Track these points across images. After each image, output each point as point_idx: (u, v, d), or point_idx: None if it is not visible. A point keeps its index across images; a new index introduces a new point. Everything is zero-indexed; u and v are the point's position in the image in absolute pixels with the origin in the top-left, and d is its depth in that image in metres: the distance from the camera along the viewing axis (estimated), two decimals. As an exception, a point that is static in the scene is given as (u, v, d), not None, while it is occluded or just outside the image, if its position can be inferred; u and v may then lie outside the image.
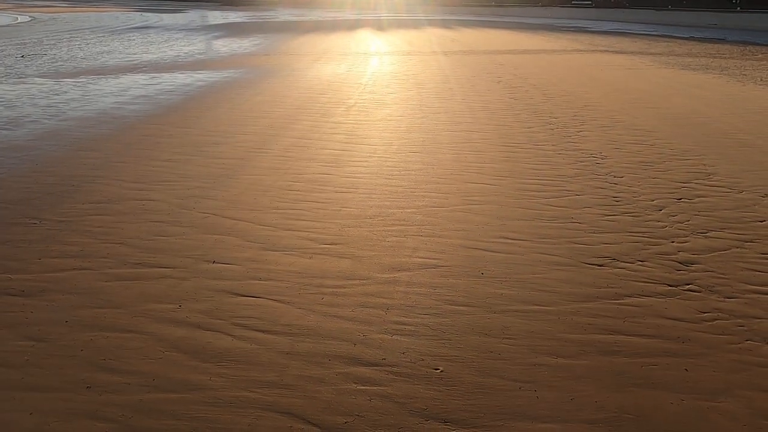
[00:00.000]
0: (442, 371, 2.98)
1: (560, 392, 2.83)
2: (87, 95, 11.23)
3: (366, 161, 6.85)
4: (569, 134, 8.28)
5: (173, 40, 24.76)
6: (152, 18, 45.27)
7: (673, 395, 2.82)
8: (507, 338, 3.27)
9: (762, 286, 3.90)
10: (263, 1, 76.45)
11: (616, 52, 20.40)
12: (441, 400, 2.78)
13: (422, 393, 2.82)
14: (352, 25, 37.80)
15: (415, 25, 39.09)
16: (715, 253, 4.39)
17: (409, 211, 5.24)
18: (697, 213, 5.23)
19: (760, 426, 2.63)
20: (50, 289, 3.77)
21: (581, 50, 21.35)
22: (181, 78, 13.65)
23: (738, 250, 4.46)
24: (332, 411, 2.70)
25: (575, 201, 5.54)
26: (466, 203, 5.45)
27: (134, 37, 25.92)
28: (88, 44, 22.39)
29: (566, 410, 2.72)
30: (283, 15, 53.57)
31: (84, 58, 17.58)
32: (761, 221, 5.06)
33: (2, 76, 13.62)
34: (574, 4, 55.77)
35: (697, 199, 5.60)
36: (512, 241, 4.58)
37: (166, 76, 13.89)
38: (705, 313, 3.55)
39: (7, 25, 35.65)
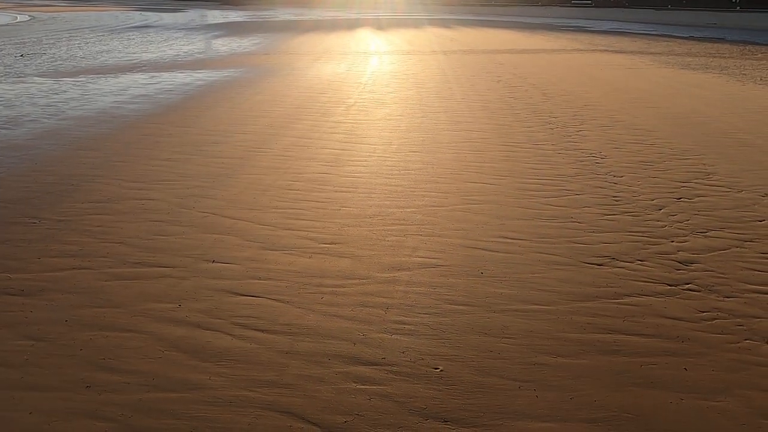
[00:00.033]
0: (441, 370, 2.98)
1: (560, 391, 2.84)
2: (86, 94, 11.22)
3: (366, 160, 6.85)
4: (569, 134, 8.28)
5: (173, 39, 24.74)
6: (152, 17, 45.24)
7: (673, 394, 2.82)
8: (506, 337, 3.27)
9: (761, 285, 3.90)
10: (263, 1, 76.40)
11: (616, 52, 20.40)
12: (440, 399, 2.78)
13: (422, 392, 2.82)
14: (352, 25, 37.79)
15: (415, 24, 39.08)
16: (715, 253, 4.39)
17: (408, 210, 5.24)
18: (697, 212, 5.23)
19: (759, 425, 2.63)
20: (50, 289, 3.76)
21: (581, 49, 21.35)
22: (180, 77, 13.64)
23: (737, 249, 4.46)
24: (332, 410, 2.70)
25: (575, 200, 5.54)
26: (465, 202, 5.45)
27: (134, 37, 25.90)
28: (87, 43, 22.38)
29: (566, 409, 2.72)
30: (283, 14, 53.54)
31: (83, 58, 17.56)
32: (761, 221, 5.06)
33: (1, 76, 13.61)
34: (573, 3, 55.79)
35: (696, 199, 5.60)
36: (512, 240, 4.58)
37: (166, 76, 13.88)
38: (704, 312, 3.56)
39: (7, 25, 35.62)
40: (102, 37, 25.31)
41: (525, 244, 4.51)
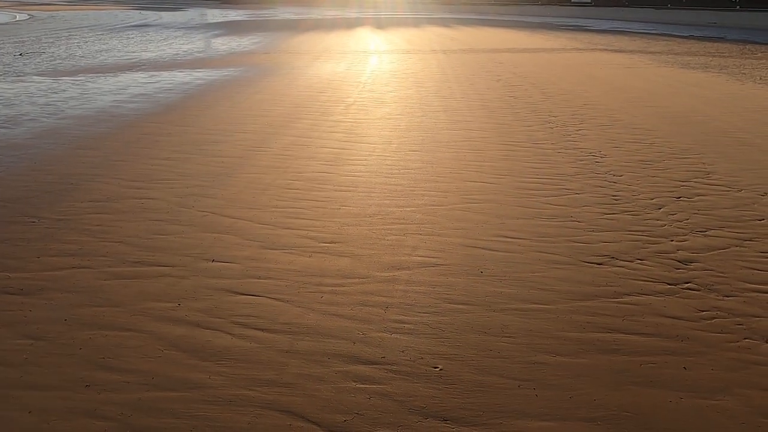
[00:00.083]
0: (441, 369, 2.98)
1: (559, 390, 2.84)
2: (85, 93, 11.21)
3: (365, 160, 6.85)
4: (568, 133, 8.28)
5: (172, 38, 24.71)
6: (151, 16, 45.18)
7: (672, 393, 2.82)
8: (506, 337, 3.27)
9: (761, 284, 3.90)
10: (262, 0, 76.27)
11: (616, 51, 20.40)
12: (440, 398, 2.78)
13: (421, 391, 2.82)
14: (352, 24, 37.76)
15: (415, 23, 39.05)
16: (714, 252, 4.39)
17: (408, 209, 5.24)
18: (697, 211, 5.24)
19: (759, 424, 2.63)
20: (49, 288, 3.76)
21: (580, 49, 21.34)
22: (180, 76, 13.63)
23: (737, 248, 4.46)
24: (331, 409, 2.70)
25: (574, 200, 5.54)
26: (465, 202, 5.45)
27: (133, 35, 25.87)
28: (86, 42, 22.35)
29: (565, 408, 2.72)
30: (283, 13, 53.50)
31: (83, 57, 17.54)
32: (760, 220, 5.06)
33: (1, 75, 13.59)
34: (573, 2, 55.76)
35: (696, 198, 5.61)
36: (511, 239, 4.58)
37: (165, 75, 13.86)
38: (704, 311, 3.56)
39: (6, 24, 35.57)
40: (101, 36, 25.28)
41: (525, 243, 4.51)
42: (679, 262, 4.22)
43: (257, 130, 8.30)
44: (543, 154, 7.18)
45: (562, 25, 37.30)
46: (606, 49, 21.02)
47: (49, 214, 5.06)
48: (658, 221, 5.00)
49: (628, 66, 16.08)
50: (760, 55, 19.48)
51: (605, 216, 5.11)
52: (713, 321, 3.45)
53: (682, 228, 4.85)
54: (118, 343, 3.16)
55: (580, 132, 8.34)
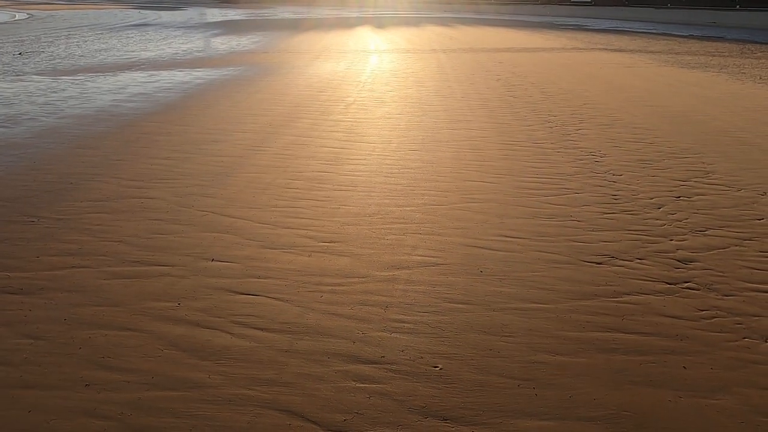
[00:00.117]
0: (441, 369, 2.98)
1: (559, 390, 2.84)
2: (85, 93, 11.20)
3: (365, 159, 6.85)
4: (568, 132, 8.28)
5: (172, 37, 24.70)
6: (150, 15, 45.15)
7: (671, 393, 2.83)
8: (506, 336, 3.27)
9: (760, 284, 3.91)
10: (262, -1, 76.19)
11: (615, 50, 20.40)
12: (440, 397, 2.78)
13: (421, 390, 2.82)
14: (352, 23, 37.74)
15: (415, 23, 39.03)
16: (714, 252, 4.40)
17: (408, 208, 5.24)
18: (696, 211, 5.24)
19: (757, 423, 2.64)
20: (49, 287, 3.76)
21: (580, 48, 21.34)
22: (179, 76, 13.62)
23: (737, 248, 4.46)
24: (331, 408, 2.70)
25: (574, 199, 5.54)
26: (465, 201, 5.45)
27: (132, 35, 25.85)
28: (86, 42, 22.33)
29: (565, 408, 2.72)
30: (282, 13, 53.46)
31: (82, 56, 17.53)
32: (760, 219, 5.06)
33: (0, 74, 13.57)
34: (573, 1, 55.74)
35: (695, 198, 5.61)
36: (511, 239, 4.59)
37: (165, 74, 13.86)
38: (703, 311, 3.56)
39: (5, 23, 35.54)
40: (100, 36, 25.26)
41: (524, 243, 4.51)
42: (678, 261, 4.23)
43: (257, 130, 8.30)
44: (543, 153, 7.18)
45: (562, 25, 37.29)
46: (606, 49, 21.02)
47: (48, 213, 5.06)
48: (658, 221, 5.00)
49: (627, 65, 16.07)
50: (759, 54, 19.48)
51: (605, 215, 5.11)
52: (713, 320, 3.45)
53: (682, 227, 4.86)
54: (118, 343, 3.17)
55: (579, 131, 8.34)
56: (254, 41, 23.20)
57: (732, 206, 5.37)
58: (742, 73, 14.62)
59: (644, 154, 7.13)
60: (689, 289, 3.83)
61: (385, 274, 3.99)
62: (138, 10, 53.80)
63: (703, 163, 6.79)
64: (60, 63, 15.81)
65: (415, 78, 13.53)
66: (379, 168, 6.50)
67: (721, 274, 4.03)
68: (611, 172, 6.42)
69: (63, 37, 24.47)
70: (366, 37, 26.34)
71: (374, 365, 3.00)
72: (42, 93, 11.10)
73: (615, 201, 5.49)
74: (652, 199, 5.56)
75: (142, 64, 15.68)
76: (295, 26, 33.85)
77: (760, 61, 17.44)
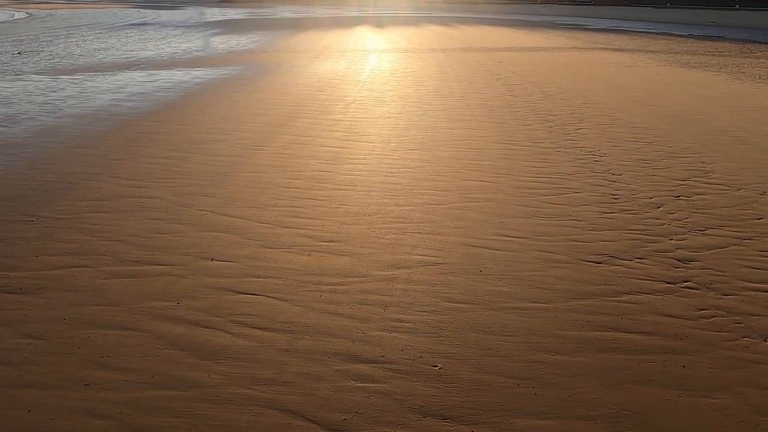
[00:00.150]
0: (440, 368, 2.98)
1: (558, 389, 2.84)
2: (84, 92, 11.19)
3: (365, 158, 6.85)
4: (568, 132, 8.28)
5: (171, 37, 24.68)
6: (150, 15, 45.12)
7: (671, 392, 2.83)
8: (505, 335, 3.27)
9: (760, 283, 3.91)
10: (261, -2, 76.11)
11: (615, 50, 20.40)
12: (439, 396, 2.78)
13: (421, 390, 2.82)
14: (351, 23, 37.72)
15: (414, 22, 39.02)
16: (713, 251, 4.40)
17: (407, 208, 5.23)
18: (696, 210, 5.24)
19: (757, 422, 2.64)
20: (48, 287, 3.76)
21: (580, 48, 21.34)
22: (179, 75, 13.61)
23: (736, 247, 4.47)
24: (331, 408, 2.70)
25: (574, 198, 5.54)
26: (464, 200, 5.45)
27: (132, 34, 25.83)
28: (85, 41, 22.31)
29: (564, 407, 2.73)
30: (282, 12, 53.43)
31: (81, 55, 17.51)
32: (759, 219, 5.07)
33: (-1, 73, 13.56)
34: (573, 1, 55.72)
35: (695, 197, 5.61)
36: (511, 238, 4.59)
37: (164, 73, 13.84)
38: (703, 310, 3.56)
39: (4, 22, 35.49)
40: (100, 35, 25.24)
41: (524, 242, 4.51)
42: (678, 260, 4.23)
43: (256, 129, 8.30)
44: (542, 153, 7.18)
45: (562, 24, 37.29)
46: (605, 48, 21.02)
47: (47, 212, 5.06)
48: (657, 220, 5.00)
49: (627, 65, 16.08)
50: (759, 54, 19.49)
51: (604, 215, 5.11)
52: (712, 319, 3.46)
53: (681, 227, 4.86)
54: (117, 342, 3.16)
55: (579, 131, 8.34)
56: (254, 40, 23.18)
57: (731, 205, 5.38)
58: (742, 72, 14.63)
59: (644, 154, 7.13)
60: (689, 288, 3.83)
61: (385, 274, 3.99)
62: (137, 9, 53.77)
63: (703, 162, 6.79)
64: (59, 62, 15.79)
65: (414, 77, 13.52)
66: (379, 167, 6.49)
67: (720, 273, 4.04)
68: (611, 171, 6.42)
69: (62, 36, 24.45)
70: (365, 37, 26.33)
71: (374, 365, 3.00)
72: (41, 92, 11.09)
73: (614, 200, 5.49)
74: (651, 198, 5.56)
75: (142, 64, 15.66)
76: (295, 25, 33.83)
77: (760, 60, 17.45)
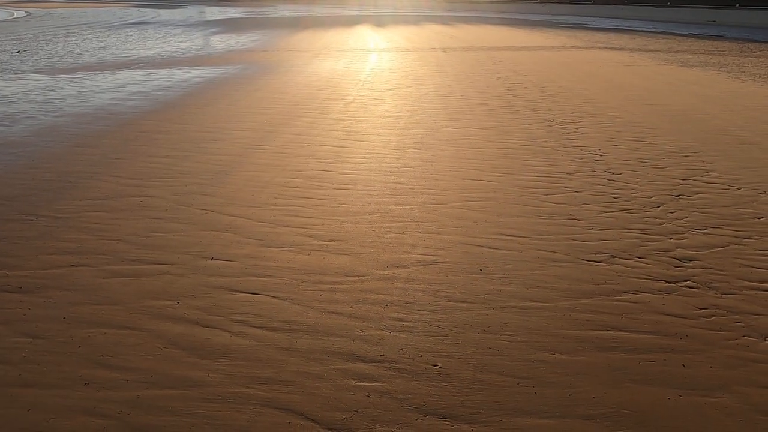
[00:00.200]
0: (440, 367, 2.98)
1: (558, 388, 2.84)
2: (84, 91, 11.18)
3: (365, 158, 6.84)
4: (568, 131, 8.28)
5: (171, 36, 24.66)
6: (149, 14, 45.08)
7: (671, 391, 2.83)
8: (505, 334, 3.27)
9: (760, 282, 3.91)
10: (261, -3, 76.06)
11: (615, 49, 20.39)
12: (439, 396, 2.78)
13: (421, 389, 2.82)
14: (351, 22, 37.69)
15: (414, 21, 39.00)
16: (713, 250, 4.40)
17: (407, 207, 5.23)
18: (696, 210, 5.24)
19: (757, 421, 2.64)
20: (47, 286, 3.76)
21: (580, 47, 21.33)
22: (178, 74, 13.60)
23: (736, 246, 4.47)
24: (331, 407, 2.70)
25: (573, 198, 5.54)
26: (464, 200, 5.45)
27: (131, 33, 25.81)
28: (84, 40, 22.29)
29: (564, 406, 2.72)
30: (282, 11, 53.39)
31: (80, 54, 17.49)
32: (759, 218, 5.07)
33: (-1, 72, 13.55)
34: (573, 0, 55.68)
35: (695, 196, 5.61)
36: (511, 237, 4.58)
37: (164, 72, 13.83)
38: (703, 309, 3.56)
39: (3, 21, 35.46)
40: (99, 34, 25.21)
41: (524, 241, 4.51)
42: (678, 260, 4.23)
43: (256, 128, 8.29)
44: (542, 152, 7.18)
45: (562, 23, 37.26)
46: (605, 47, 21.01)
47: (47, 212, 5.05)
48: (657, 219, 5.00)
49: (627, 64, 16.07)
50: (759, 53, 19.48)
51: (604, 214, 5.11)
52: (712, 319, 3.46)
53: (681, 226, 4.86)
54: (117, 341, 3.16)
55: (579, 130, 8.33)
56: (253, 39, 23.16)
57: (731, 205, 5.37)
58: (742, 71, 14.62)
59: (644, 153, 7.13)
60: (689, 287, 3.83)
61: (385, 273, 3.98)
62: (137, 8, 53.72)
63: (703, 161, 6.79)
64: (58, 61, 15.78)
65: (414, 76, 13.52)
66: (379, 166, 6.49)
67: (720, 272, 4.04)
68: (611, 170, 6.42)
69: (61, 35, 24.42)
70: (365, 36, 26.31)
71: (374, 364, 3.00)
72: (40, 91, 11.07)
73: (614, 199, 5.49)
74: (651, 197, 5.56)
75: (141, 63, 15.65)
76: (295, 24, 33.81)
77: (760, 59, 17.44)
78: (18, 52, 17.91)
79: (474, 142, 7.60)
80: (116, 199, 5.37)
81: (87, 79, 12.73)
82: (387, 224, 4.84)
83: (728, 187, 5.90)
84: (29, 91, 11.13)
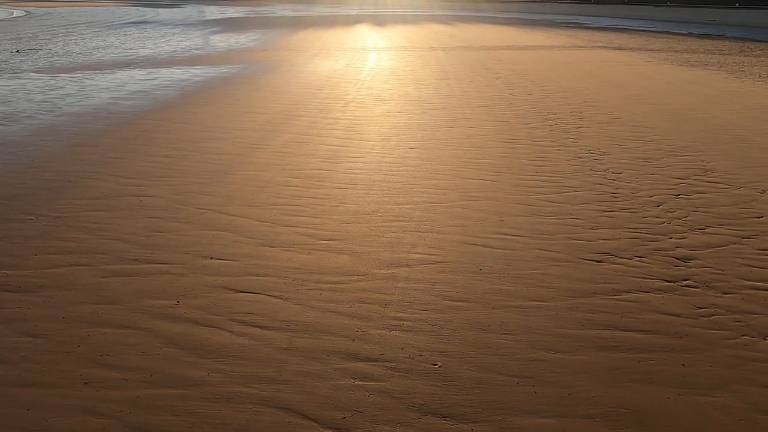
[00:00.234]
0: (440, 367, 2.98)
1: (558, 387, 2.84)
2: (83, 90, 11.17)
3: (364, 157, 6.84)
4: (568, 130, 8.28)
5: (170, 35, 24.64)
6: (149, 13, 45.05)
7: (670, 390, 2.83)
8: (505, 334, 3.27)
9: (759, 281, 3.91)
10: (261, -4, 76.02)
11: (615, 49, 20.38)
12: (439, 395, 2.78)
13: (420, 388, 2.82)
14: (350, 21, 37.67)
15: (414, 20, 38.98)
16: (713, 249, 4.40)
17: (407, 206, 5.23)
18: (695, 209, 5.24)
19: (756, 420, 2.64)
20: (47, 285, 3.75)
21: (580, 46, 21.32)
22: (178, 73, 13.59)
23: (736, 246, 4.47)
24: (330, 406, 2.70)
25: (573, 197, 5.54)
26: (464, 199, 5.45)
27: (131, 32, 25.78)
28: (84, 39, 22.27)
29: (564, 405, 2.72)
30: (281, 10, 53.36)
31: (80, 53, 17.48)
32: (759, 217, 5.07)
33: (-2, 71, 13.53)
34: (572, -1, 55.68)
35: (695, 195, 5.61)
36: (510, 236, 4.58)
37: (163, 72, 13.82)
38: (702, 308, 3.56)
39: (2, 20, 35.43)
40: (98, 33, 25.19)
41: (524, 241, 4.51)
42: (677, 259, 4.23)
43: (256, 128, 8.29)
44: (542, 151, 7.17)
45: (562, 23, 37.25)
46: (605, 47, 21.01)
47: (46, 211, 5.05)
48: (657, 219, 5.00)
49: (627, 63, 16.07)
50: (759, 52, 19.48)
51: (604, 213, 5.11)
52: (712, 318, 3.46)
53: (681, 225, 4.86)
54: (117, 341, 3.16)
55: (579, 129, 8.33)
56: (253, 39, 23.15)
57: (731, 204, 5.38)
58: (742, 71, 14.62)
59: (644, 152, 7.13)
60: (688, 286, 3.83)
61: (385, 272, 3.98)
62: (136, 8, 53.68)
63: (703, 161, 6.79)
64: (58, 60, 15.77)
65: (414, 76, 13.51)
66: (379, 166, 6.49)
67: (720, 271, 4.04)
68: (611, 170, 6.42)
69: (61, 34, 24.40)
70: (365, 35, 26.30)
71: (373, 363, 3.00)
72: (40, 91, 11.06)
73: (614, 199, 5.49)
74: (651, 197, 5.56)
75: (141, 62, 15.64)
76: (294, 24, 33.79)
77: (760, 59, 17.44)
78: (17, 51, 17.89)
79: (474, 142, 7.60)
80: (115, 199, 5.37)
81: (86, 78, 12.72)
82: (387, 223, 4.83)
83: (728, 186, 5.90)
84: (28, 90, 11.12)
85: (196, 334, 3.23)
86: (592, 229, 4.76)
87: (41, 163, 6.52)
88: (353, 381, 2.86)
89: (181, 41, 21.80)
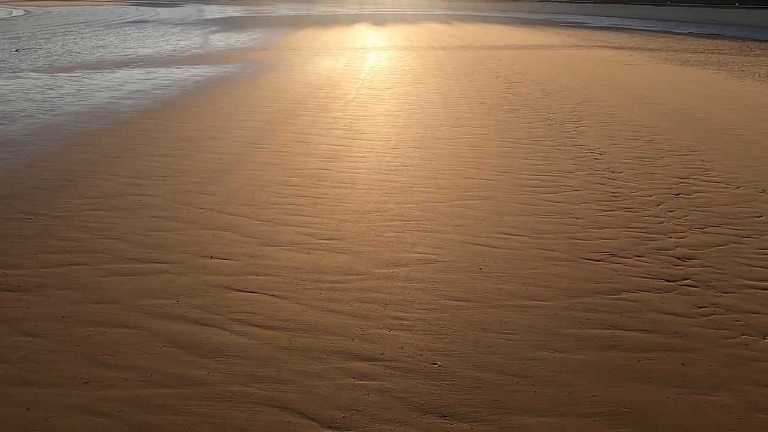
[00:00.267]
0: (440, 366, 2.98)
1: (558, 387, 2.84)
2: (82, 90, 11.16)
3: (364, 156, 6.84)
4: (567, 130, 8.28)
5: (170, 34, 24.62)
6: (148, 12, 45.02)
7: (670, 389, 2.83)
8: (505, 333, 3.27)
9: (759, 281, 3.91)
10: (260, -4, 76.03)
11: (615, 48, 20.38)
12: (439, 394, 2.78)
13: (420, 388, 2.82)
14: (350, 20, 37.66)
15: (413, 20, 38.97)
16: (713, 249, 4.40)
17: (407, 206, 5.23)
18: (695, 208, 5.24)
19: (756, 420, 2.64)
20: (46, 285, 3.75)
21: (580, 46, 21.32)
22: (177, 73, 13.58)
23: (735, 245, 4.47)
24: (330, 406, 2.70)
25: (573, 196, 5.54)
26: (464, 198, 5.45)
27: (130, 32, 25.77)
28: (83, 38, 22.25)
29: (564, 404, 2.72)
30: (281, 10, 53.34)
31: (79, 53, 17.46)
32: (758, 217, 5.07)
33: (-3, 71, 13.52)
34: (572, -1, 55.67)
35: (695, 195, 5.61)
36: (510, 236, 4.58)
37: (163, 71, 13.81)
38: (702, 308, 3.56)
39: (2, 19, 35.40)
40: (98, 32, 25.17)
41: (523, 240, 4.51)
42: (677, 258, 4.23)
43: (255, 127, 8.28)
44: (542, 151, 7.17)
45: (562, 22, 37.25)
46: (605, 46, 21.01)
47: (46, 210, 5.04)
48: (657, 218, 5.00)
49: (627, 63, 16.07)
50: (759, 52, 19.48)
51: (604, 213, 5.11)
52: (711, 317, 3.46)
53: (681, 225, 4.86)
54: (116, 340, 3.16)
55: (579, 129, 8.33)
56: (253, 38, 23.13)
57: (731, 203, 5.38)
58: (741, 70, 14.62)
59: (643, 152, 7.13)
60: (688, 286, 3.83)
61: (384, 272, 3.98)
62: (135, 7, 53.64)
63: (702, 160, 6.79)
64: (57, 60, 15.75)
65: (413, 75, 13.51)
66: (378, 165, 6.49)
67: (720, 271, 4.04)
68: (610, 169, 6.42)
69: (60, 33, 24.38)
70: (365, 35, 26.29)
71: (373, 362, 3.00)
72: (39, 90, 11.05)
73: (614, 198, 5.49)
74: (651, 196, 5.56)
75: (140, 61, 15.62)
76: (294, 23, 33.77)
77: (759, 58, 17.45)
78: (17, 50, 17.87)
79: (473, 141, 7.59)
80: (115, 198, 5.36)
81: (86, 77, 12.71)
82: (386, 223, 4.83)
83: (728, 185, 5.90)
84: (28, 89, 11.11)
85: (196, 333, 3.23)
86: (591, 228, 4.76)
87: (40, 162, 6.51)
88: (353, 380, 2.86)
89: (180, 40, 21.78)
